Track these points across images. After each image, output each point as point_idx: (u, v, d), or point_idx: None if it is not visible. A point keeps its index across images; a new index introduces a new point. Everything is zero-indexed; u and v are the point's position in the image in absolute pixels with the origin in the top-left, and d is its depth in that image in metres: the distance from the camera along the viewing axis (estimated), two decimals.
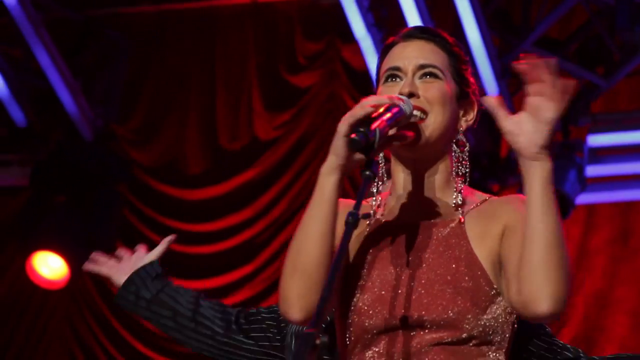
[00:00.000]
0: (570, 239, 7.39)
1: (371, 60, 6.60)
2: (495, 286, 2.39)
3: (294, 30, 7.90)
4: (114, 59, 7.28)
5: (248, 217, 7.88)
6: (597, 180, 7.02)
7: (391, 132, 2.34)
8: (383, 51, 2.56)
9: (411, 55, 2.48)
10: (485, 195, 2.53)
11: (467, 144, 2.50)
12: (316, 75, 7.87)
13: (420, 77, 2.46)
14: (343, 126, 2.31)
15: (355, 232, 2.39)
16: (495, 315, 2.38)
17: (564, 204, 6.63)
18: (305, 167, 7.86)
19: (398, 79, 2.47)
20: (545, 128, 2.28)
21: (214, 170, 7.95)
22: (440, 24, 6.77)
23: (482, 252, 2.41)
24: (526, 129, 2.29)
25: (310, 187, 8.01)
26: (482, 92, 2.54)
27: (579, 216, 7.25)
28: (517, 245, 2.33)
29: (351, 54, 7.62)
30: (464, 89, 2.52)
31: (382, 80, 2.50)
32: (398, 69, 2.48)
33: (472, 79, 2.55)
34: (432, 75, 2.46)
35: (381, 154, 2.49)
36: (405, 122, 2.39)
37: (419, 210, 2.47)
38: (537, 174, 2.29)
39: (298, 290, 2.29)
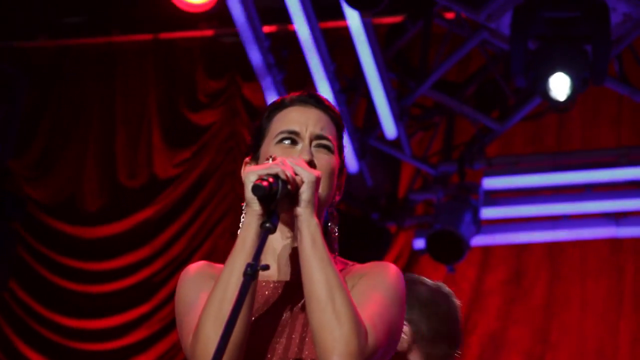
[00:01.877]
0: (466, 279, 7.49)
1: (271, 99, 6.58)
2: None
3: (195, 67, 7.90)
4: (10, 93, 7.16)
5: (146, 256, 7.81)
6: (491, 222, 7.12)
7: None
8: (274, 109, 2.55)
9: (310, 122, 2.49)
10: (346, 262, 2.54)
11: (337, 217, 2.51)
12: (217, 113, 7.86)
13: (315, 147, 2.48)
14: (250, 175, 2.32)
15: None
16: None
17: (459, 246, 6.72)
18: (205, 205, 7.83)
19: (294, 144, 2.48)
20: (306, 187, 2.33)
21: (112, 207, 7.86)
22: (341, 65, 6.84)
23: None
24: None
25: (210, 226, 8.01)
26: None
27: (474, 257, 7.35)
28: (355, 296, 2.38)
29: (252, 92, 7.65)
30: (343, 162, 2.56)
31: (276, 139, 2.49)
32: (296, 133, 2.48)
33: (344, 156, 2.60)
34: (326, 147, 2.49)
35: None
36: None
37: (296, 270, 2.46)
38: (302, 232, 2.33)
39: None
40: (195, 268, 2.49)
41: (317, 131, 2.48)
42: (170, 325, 7.73)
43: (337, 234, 2.50)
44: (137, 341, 7.76)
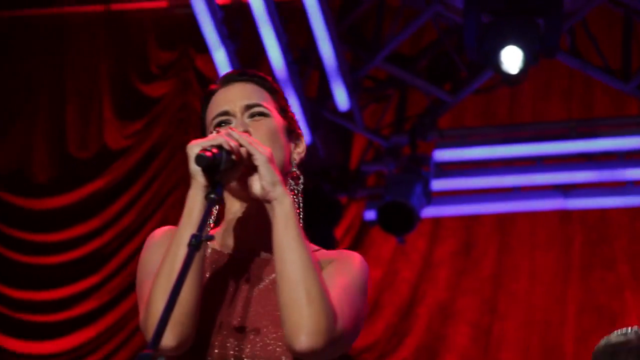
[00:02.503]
0: (416, 251, 7.54)
1: (224, 71, 6.58)
2: None
3: (147, 39, 7.83)
4: None
5: (96, 227, 7.76)
6: (442, 194, 7.16)
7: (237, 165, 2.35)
8: (204, 102, 2.54)
9: (236, 97, 2.48)
10: (315, 246, 2.51)
11: (301, 177, 2.50)
12: (169, 85, 7.82)
13: (249, 117, 2.47)
14: (194, 146, 2.31)
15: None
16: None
17: (409, 217, 6.75)
18: (155, 176, 7.79)
19: (228, 124, 2.46)
20: (264, 170, 2.33)
21: (62, 179, 7.80)
22: (294, 37, 6.83)
23: None
24: (254, 178, 2.36)
25: (161, 197, 7.98)
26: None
27: (425, 229, 7.40)
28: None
29: (204, 64, 7.61)
30: (291, 122, 2.54)
31: (212, 128, 2.47)
32: (226, 113, 2.47)
33: (293, 115, 2.57)
34: (260, 114, 2.47)
35: None
36: (247, 164, 2.40)
37: (253, 244, 2.47)
38: (276, 213, 2.33)
39: (172, 318, 2.17)
40: (160, 233, 2.49)
41: (245, 102, 2.47)
42: (120, 296, 7.71)
43: (301, 193, 2.49)
44: (87, 312, 7.73)
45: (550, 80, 7.38)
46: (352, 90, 6.79)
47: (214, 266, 2.44)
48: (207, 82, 7.63)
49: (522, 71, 6.19)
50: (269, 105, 2.49)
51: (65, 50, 7.91)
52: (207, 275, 2.42)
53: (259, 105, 2.47)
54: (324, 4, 6.43)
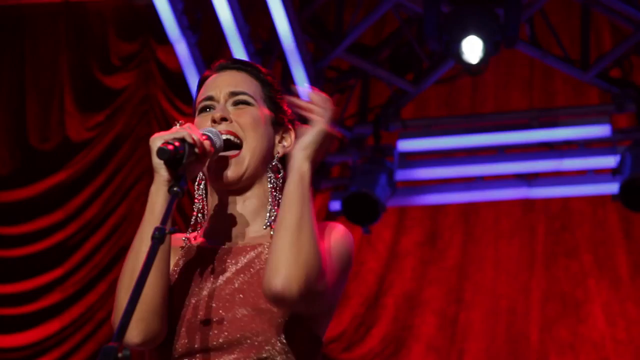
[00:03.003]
0: (381, 241, 7.55)
1: (186, 61, 6.57)
2: (294, 318, 2.39)
3: (107, 30, 7.79)
4: None
5: (59, 220, 7.72)
6: (407, 184, 7.18)
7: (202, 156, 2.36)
8: (198, 86, 2.57)
9: (223, 84, 2.50)
10: None
11: (282, 171, 2.49)
12: (131, 76, 7.78)
13: (233, 105, 2.49)
14: (156, 140, 2.32)
15: (173, 258, 2.41)
16: (297, 340, 2.38)
17: (374, 208, 6.76)
18: (119, 169, 7.76)
19: (211, 109, 2.49)
20: (314, 133, 2.33)
21: (23, 171, 7.75)
22: (256, 28, 6.81)
23: None
24: (303, 133, 2.37)
25: (125, 189, 7.94)
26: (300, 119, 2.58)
27: (390, 219, 7.41)
28: None
29: (166, 55, 7.58)
30: (280, 115, 2.53)
31: (197, 112, 2.51)
32: (211, 98, 2.49)
33: (287, 108, 2.55)
34: (244, 102, 2.49)
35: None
36: (217, 154, 2.40)
37: (230, 234, 2.47)
38: (295, 168, 2.32)
39: (136, 313, 2.17)
40: None
41: (231, 89, 2.49)
42: (85, 288, 7.68)
43: (280, 186, 2.48)
44: (51, 305, 7.70)
45: (511, 70, 7.40)
46: (315, 81, 6.78)
47: (194, 260, 2.44)
48: (169, 74, 7.63)
49: (483, 61, 6.22)
50: (255, 96, 2.49)
51: (24, 41, 7.85)
52: (183, 270, 2.43)
53: (243, 93, 2.49)
54: None
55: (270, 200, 2.47)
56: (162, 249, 2.22)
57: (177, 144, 2.28)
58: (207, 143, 2.34)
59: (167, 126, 7.20)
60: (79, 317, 7.68)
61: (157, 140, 2.31)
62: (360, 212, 6.79)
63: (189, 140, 2.30)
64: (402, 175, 7.03)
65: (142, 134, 7.73)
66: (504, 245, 7.49)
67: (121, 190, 7.73)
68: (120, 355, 1.93)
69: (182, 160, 2.28)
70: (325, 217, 7.60)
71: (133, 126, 7.77)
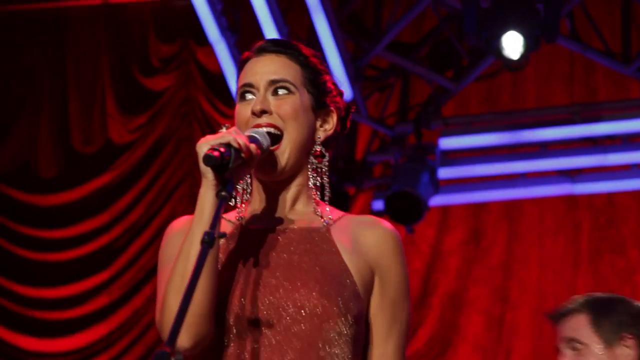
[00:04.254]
0: (425, 240, 7.52)
1: (225, 62, 6.59)
2: (362, 298, 2.40)
3: (147, 32, 7.83)
4: None
5: (104, 223, 7.77)
6: (449, 182, 7.14)
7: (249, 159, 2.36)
8: (239, 66, 2.54)
9: (262, 70, 2.46)
10: (341, 212, 2.51)
11: (326, 155, 2.48)
12: (171, 78, 7.82)
13: (273, 93, 2.46)
14: (202, 145, 2.31)
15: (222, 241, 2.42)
16: (355, 330, 2.38)
17: (417, 207, 6.74)
18: (161, 170, 7.80)
19: (251, 96, 2.46)
20: None
21: (67, 174, 7.82)
22: (294, 28, 6.82)
23: (352, 264, 2.41)
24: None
25: (168, 191, 7.98)
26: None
27: (433, 218, 7.37)
28: (379, 320, 2.43)
29: (206, 56, 7.61)
30: (321, 98, 2.49)
31: (238, 97, 2.49)
32: (250, 85, 2.46)
33: (331, 87, 2.52)
34: (284, 89, 2.45)
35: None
36: (264, 155, 2.40)
37: (279, 218, 2.47)
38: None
39: (186, 318, 2.15)
40: (178, 224, 2.49)
41: (270, 77, 2.46)
42: (131, 292, 7.72)
43: (325, 172, 2.48)
44: (98, 309, 7.74)
45: (552, 65, 7.34)
46: (355, 80, 6.78)
47: (240, 242, 2.44)
48: (209, 75, 7.66)
49: (524, 56, 6.17)
50: (295, 81, 2.46)
51: (66, 44, 7.92)
52: (230, 252, 2.42)
53: (284, 80, 2.45)
54: None
55: (310, 187, 2.47)
56: (210, 252, 2.22)
57: (222, 149, 2.27)
58: (253, 147, 2.33)
59: (208, 127, 7.22)
60: (126, 321, 7.71)
61: (204, 146, 2.30)
62: (403, 211, 6.77)
63: (235, 145, 2.29)
64: (444, 173, 7.00)
65: (184, 135, 7.77)
66: (548, 242, 7.43)
67: (165, 192, 7.77)
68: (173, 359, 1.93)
69: (228, 165, 2.29)
70: None
71: (175, 128, 7.81)
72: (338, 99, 2.53)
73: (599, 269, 7.33)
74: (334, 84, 2.54)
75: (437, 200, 7.07)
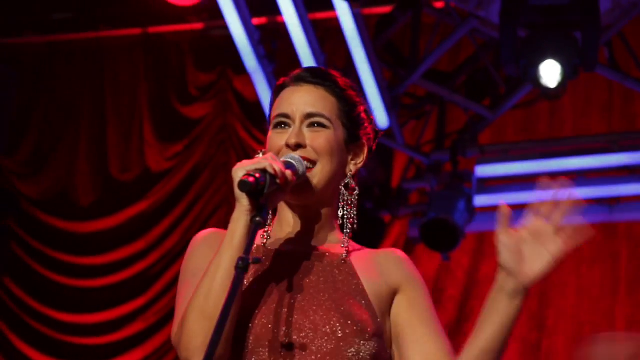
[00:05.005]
0: (460, 267, 7.50)
1: (263, 91, 6.62)
2: (379, 320, 2.43)
3: (185, 60, 7.88)
4: (1, 90, 7.15)
5: (140, 249, 7.81)
6: (485, 209, 7.11)
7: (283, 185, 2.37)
8: (275, 91, 2.55)
9: (299, 102, 2.47)
10: (359, 246, 2.54)
11: (357, 188, 2.50)
12: (208, 106, 7.86)
13: (308, 126, 2.47)
14: (238, 170, 2.33)
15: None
16: (373, 348, 2.40)
17: (453, 234, 6.72)
18: (198, 197, 7.83)
19: (287, 127, 2.47)
20: (546, 260, 2.38)
21: (105, 201, 7.86)
22: (331, 56, 6.84)
23: (369, 286, 2.44)
24: (527, 252, 2.42)
25: (204, 218, 8.02)
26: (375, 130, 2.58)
27: (469, 245, 7.35)
28: (417, 321, 2.45)
29: (243, 85, 7.64)
30: (355, 132, 2.52)
31: (272, 125, 2.50)
32: (286, 115, 2.47)
33: (364, 118, 2.54)
34: (320, 124, 2.47)
35: None
36: (299, 181, 2.42)
37: (304, 242, 2.50)
38: (512, 313, 2.44)
39: (205, 337, 2.23)
40: (203, 235, 2.51)
41: (307, 110, 2.47)
42: (166, 317, 7.74)
43: (355, 204, 2.50)
44: (133, 334, 7.77)
45: (590, 93, 7.31)
46: (391, 108, 6.78)
47: (266, 265, 2.45)
48: (245, 103, 7.69)
49: (561, 85, 6.14)
50: (331, 115, 2.48)
51: (104, 73, 7.98)
52: (254, 276, 2.43)
53: (320, 115, 2.47)
54: (360, 21, 6.44)
55: (344, 217, 2.49)
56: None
57: (258, 175, 2.29)
58: (289, 173, 2.35)
59: (245, 154, 7.25)
60: (161, 346, 7.73)
61: (239, 171, 2.31)
62: (439, 238, 6.75)
63: (270, 171, 2.31)
64: (480, 200, 6.97)
65: (220, 162, 7.80)
66: (586, 270, 7.38)
67: (200, 219, 7.80)
68: None
69: (263, 190, 2.30)
70: (404, 244, 7.58)
71: (211, 155, 7.84)
72: (369, 129, 2.55)
73: (636, 298, 7.28)
74: (366, 111, 2.55)
75: (472, 227, 7.04)
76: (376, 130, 2.57)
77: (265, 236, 2.50)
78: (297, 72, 2.54)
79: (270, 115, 2.53)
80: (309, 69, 2.55)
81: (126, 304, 7.77)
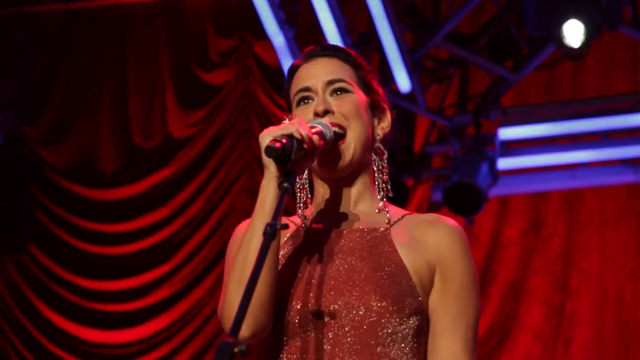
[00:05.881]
0: (484, 231, 7.49)
1: (284, 56, 6.59)
2: (420, 298, 2.41)
3: (205, 27, 7.87)
4: (22, 59, 7.16)
5: (164, 216, 7.84)
6: (508, 172, 7.09)
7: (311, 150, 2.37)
8: (289, 75, 2.56)
9: (318, 73, 2.49)
10: (404, 211, 2.54)
11: (385, 152, 2.51)
12: (229, 72, 7.85)
13: (331, 94, 2.48)
14: (265, 136, 2.33)
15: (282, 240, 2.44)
16: (413, 325, 2.39)
17: (476, 198, 6.70)
18: (221, 164, 7.84)
19: (310, 100, 2.49)
20: None
21: (128, 169, 7.89)
22: (352, 20, 6.80)
23: (410, 262, 2.42)
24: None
25: (227, 184, 8.05)
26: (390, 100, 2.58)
27: (492, 209, 7.34)
28: (442, 311, 2.42)
29: (264, 50, 7.63)
30: (374, 97, 2.53)
31: (295, 104, 2.51)
32: (308, 89, 2.49)
33: (379, 88, 2.56)
34: (343, 89, 2.48)
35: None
36: (327, 146, 2.42)
37: (342, 218, 2.49)
38: None
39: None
40: (242, 228, 2.50)
41: (327, 78, 2.49)
42: (192, 284, 7.78)
43: (386, 168, 2.50)
44: (159, 301, 7.82)
45: (613, 53, 7.26)
46: (413, 71, 6.74)
47: (303, 243, 2.47)
48: (267, 69, 7.68)
49: (585, 45, 6.08)
50: (351, 81, 2.49)
51: (125, 41, 7.99)
52: (293, 253, 2.45)
53: (341, 80, 2.48)
54: None
55: (376, 185, 2.50)
56: (272, 244, 2.23)
57: (284, 140, 2.29)
58: (315, 138, 2.35)
59: (267, 120, 7.24)
60: (187, 312, 7.78)
61: (266, 137, 2.32)
62: (463, 202, 6.73)
63: (297, 136, 2.31)
64: (504, 163, 6.94)
65: (243, 128, 7.80)
66: (610, 232, 7.36)
67: (224, 185, 7.81)
68: (236, 350, 1.94)
69: (290, 156, 2.30)
70: (427, 208, 7.57)
71: (233, 121, 7.84)
72: (386, 99, 2.56)
73: None
74: (379, 82, 2.57)
75: (496, 191, 7.02)
76: (390, 106, 2.58)
77: (307, 214, 2.50)
78: (306, 50, 2.56)
79: (289, 100, 2.54)
80: (318, 45, 2.57)
81: (151, 271, 7.81)
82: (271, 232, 2.17)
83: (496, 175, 6.88)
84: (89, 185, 7.90)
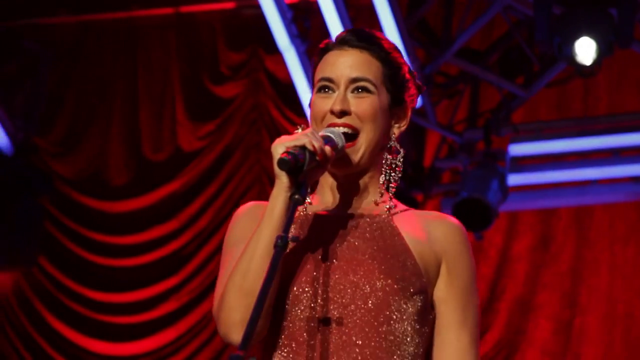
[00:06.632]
0: (493, 246, 7.49)
1: (295, 70, 6.60)
2: (424, 280, 2.41)
3: (216, 40, 7.88)
4: (34, 70, 7.19)
5: (173, 229, 7.84)
6: (518, 188, 7.09)
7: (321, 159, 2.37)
8: (319, 54, 2.53)
9: (344, 66, 2.46)
10: (405, 206, 2.54)
11: (401, 150, 2.50)
12: (240, 86, 7.86)
13: (353, 91, 2.46)
14: (277, 147, 2.33)
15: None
16: (417, 304, 2.40)
17: (486, 213, 6.69)
18: (230, 177, 7.84)
19: (330, 91, 2.47)
20: None
21: (137, 181, 7.89)
22: None
23: (414, 246, 2.43)
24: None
25: (236, 197, 8.05)
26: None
27: (502, 224, 7.34)
28: (447, 306, 2.43)
29: (275, 64, 7.64)
30: (399, 95, 2.50)
31: (316, 89, 2.49)
32: (331, 80, 2.47)
33: (409, 80, 2.51)
34: (365, 89, 2.45)
35: None
36: (338, 156, 2.42)
37: (346, 206, 2.50)
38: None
39: (243, 313, 2.27)
40: (245, 208, 2.51)
41: (352, 74, 2.46)
42: (200, 297, 7.77)
43: (399, 166, 2.49)
44: (167, 313, 7.81)
45: (625, 70, 7.26)
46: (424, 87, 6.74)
47: (309, 229, 2.46)
48: (277, 83, 7.68)
49: (596, 62, 6.08)
50: (376, 81, 2.46)
51: (136, 53, 8.00)
52: (303, 238, 2.44)
53: (365, 79, 2.45)
54: (393, 0, 6.41)
55: (382, 181, 2.49)
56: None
57: (297, 152, 2.29)
58: (328, 149, 2.34)
59: (277, 134, 7.22)
60: (194, 325, 7.77)
61: (279, 148, 2.32)
62: (472, 217, 6.72)
63: (310, 147, 2.31)
64: (514, 179, 6.94)
65: (252, 142, 7.80)
66: (619, 249, 7.35)
67: (233, 198, 7.81)
68: None
69: (302, 168, 2.30)
70: None
71: (243, 135, 7.85)
72: (413, 90, 2.53)
73: None
74: (410, 72, 2.53)
75: (506, 207, 7.02)
76: (419, 86, 2.55)
77: (307, 202, 2.50)
78: (342, 34, 2.51)
79: (313, 78, 2.52)
80: (354, 31, 2.52)
81: (159, 284, 7.81)
82: (282, 245, 2.18)
83: (506, 191, 6.88)
84: (98, 197, 7.91)
